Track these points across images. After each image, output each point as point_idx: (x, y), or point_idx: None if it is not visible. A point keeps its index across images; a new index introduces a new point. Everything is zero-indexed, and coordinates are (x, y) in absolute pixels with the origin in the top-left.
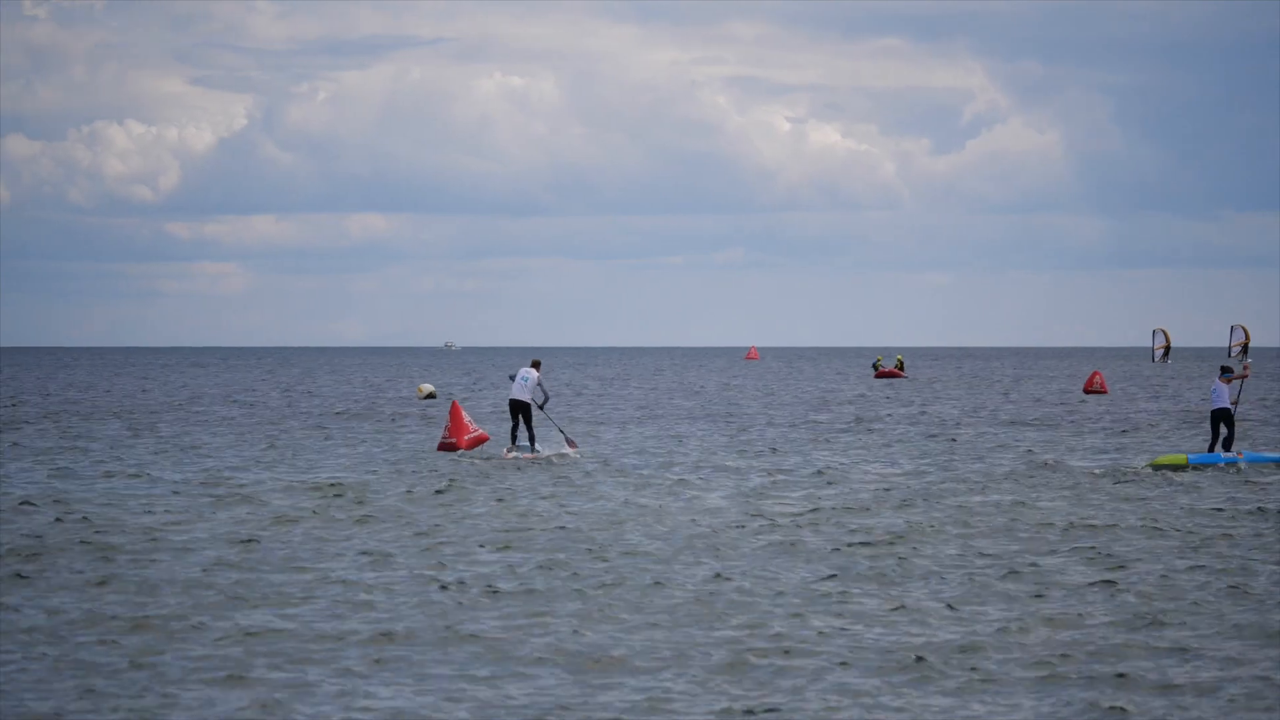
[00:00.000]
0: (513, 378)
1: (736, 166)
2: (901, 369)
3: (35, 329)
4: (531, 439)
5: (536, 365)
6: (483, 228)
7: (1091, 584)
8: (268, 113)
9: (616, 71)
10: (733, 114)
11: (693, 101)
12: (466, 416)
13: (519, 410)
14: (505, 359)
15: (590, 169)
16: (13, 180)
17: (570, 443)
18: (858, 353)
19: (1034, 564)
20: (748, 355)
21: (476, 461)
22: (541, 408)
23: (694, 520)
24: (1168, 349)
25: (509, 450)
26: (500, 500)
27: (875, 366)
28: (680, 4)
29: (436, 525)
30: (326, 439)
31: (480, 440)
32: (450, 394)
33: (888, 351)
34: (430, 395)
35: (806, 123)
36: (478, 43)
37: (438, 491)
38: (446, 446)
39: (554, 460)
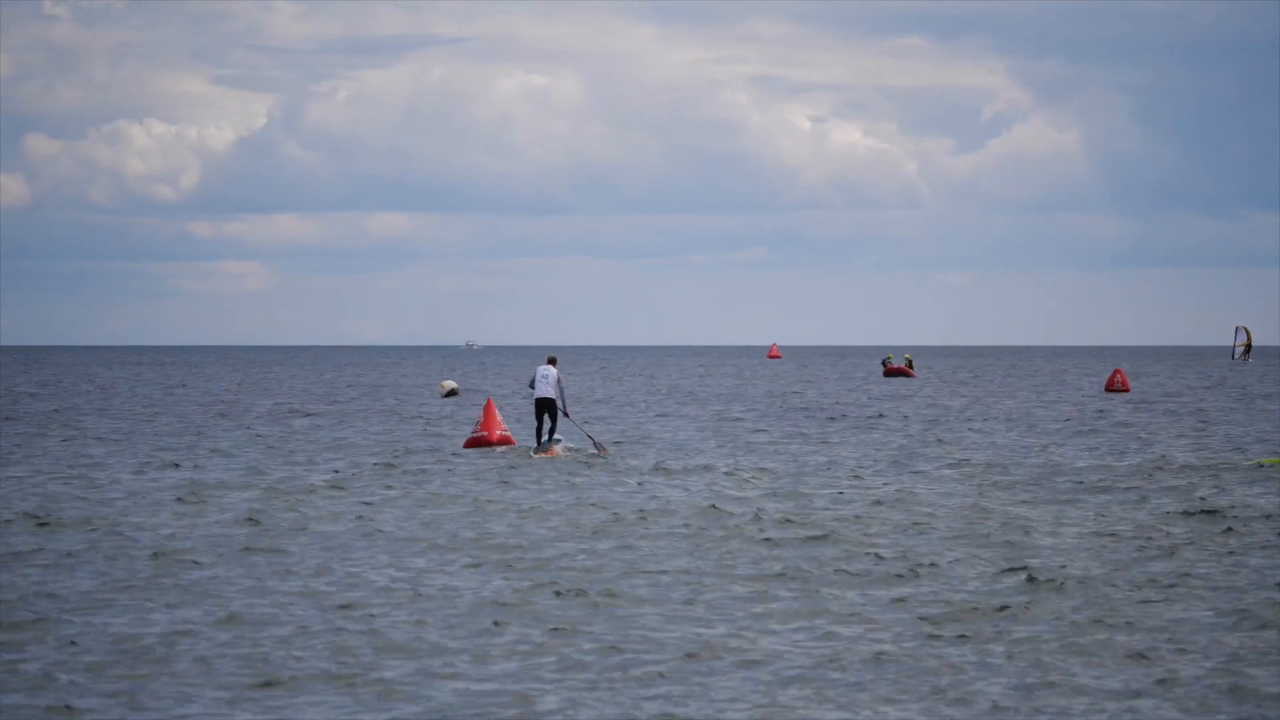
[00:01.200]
0: (532, 384)
1: (758, 165)
2: (910, 367)
3: (56, 328)
4: (552, 431)
5: (553, 361)
6: (504, 227)
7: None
8: (288, 112)
9: (638, 71)
10: (754, 113)
11: (714, 101)
12: (499, 415)
13: (546, 408)
14: (526, 358)
15: (612, 168)
16: (33, 179)
17: (600, 448)
18: (880, 351)
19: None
20: (769, 354)
21: (478, 461)
22: (566, 414)
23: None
24: (1249, 347)
25: (537, 451)
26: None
27: (884, 364)
28: (701, 3)
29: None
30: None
31: (506, 441)
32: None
33: (897, 350)
34: (452, 393)
35: (828, 122)
36: (498, 42)
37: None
38: (476, 442)
39: (570, 455)
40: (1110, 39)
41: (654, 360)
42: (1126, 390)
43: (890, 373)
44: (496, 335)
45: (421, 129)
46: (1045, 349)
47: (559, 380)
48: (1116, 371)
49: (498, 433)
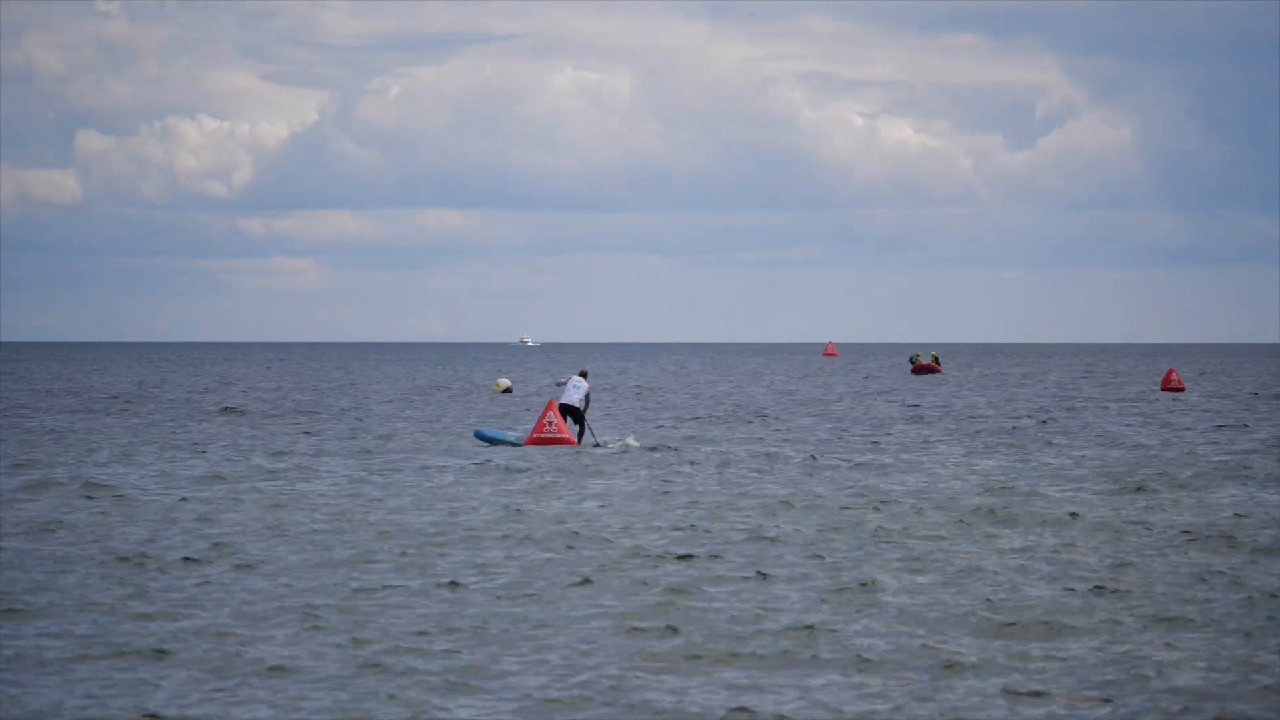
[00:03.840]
0: (560, 384)
1: (810, 162)
2: (937, 363)
3: (111, 325)
4: (581, 434)
5: (585, 375)
6: (557, 223)
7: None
8: (341, 108)
9: (690, 67)
10: (806, 110)
11: (766, 97)
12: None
13: (569, 413)
14: (580, 354)
15: (664, 164)
16: (85, 175)
17: (601, 443)
18: (934, 349)
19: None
20: (825, 351)
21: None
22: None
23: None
24: None
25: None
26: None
27: (912, 361)
28: (752, 1)
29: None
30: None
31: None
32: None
33: (925, 347)
34: (507, 390)
35: (880, 119)
36: (551, 38)
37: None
38: (545, 440)
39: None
40: (1164, 35)
41: (710, 358)
42: (1181, 389)
43: (918, 370)
44: (550, 332)
45: (474, 125)
46: (1099, 346)
47: (588, 394)
48: (1170, 371)
49: (568, 432)
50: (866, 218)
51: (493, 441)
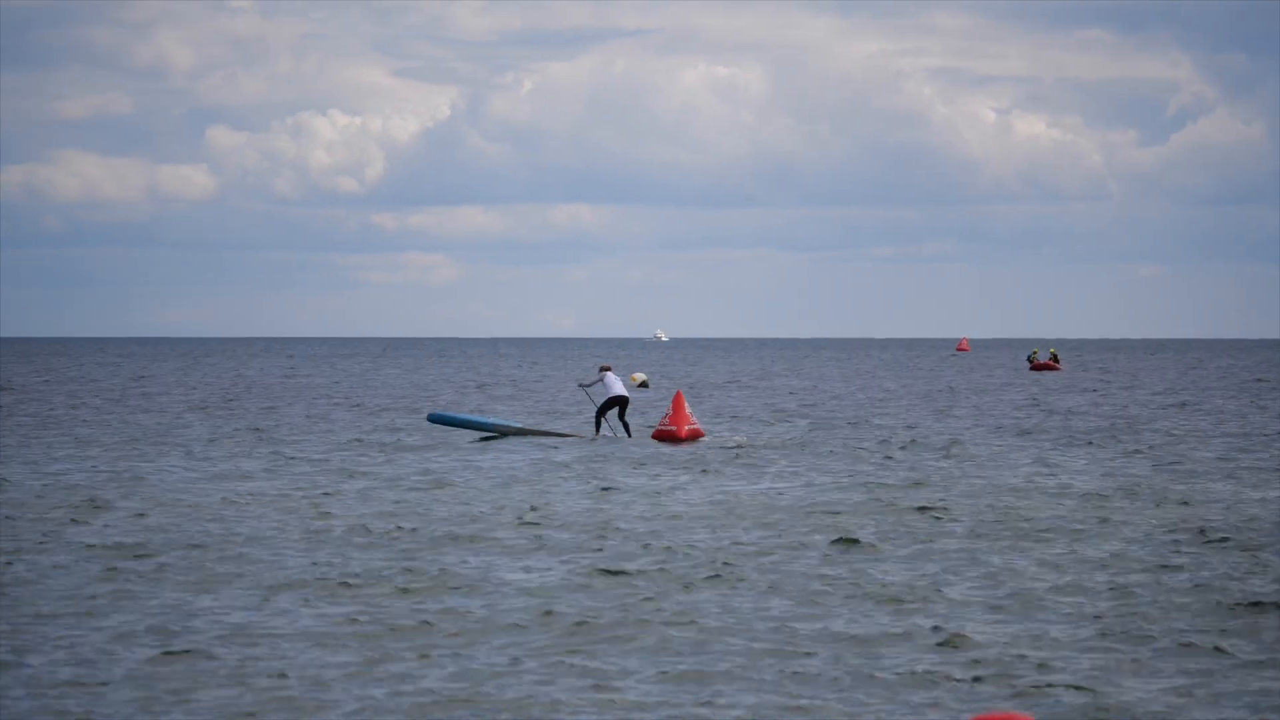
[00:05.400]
0: (597, 385)
1: (942, 157)
2: (1056, 361)
3: (242, 320)
4: (626, 426)
5: (609, 369)
6: (688, 218)
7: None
8: (471, 104)
9: (820, 62)
10: (937, 105)
11: (897, 92)
12: (688, 408)
13: (621, 404)
14: (712, 350)
15: (795, 160)
16: (218, 170)
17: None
18: (1062, 344)
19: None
20: (959, 347)
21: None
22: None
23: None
24: None
25: (595, 437)
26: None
27: (1030, 359)
28: None
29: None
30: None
31: (697, 434)
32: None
33: (1043, 344)
34: (643, 384)
35: (1012, 114)
36: (682, 33)
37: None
38: (664, 434)
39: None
40: None
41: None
42: None
43: (1036, 368)
44: (682, 328)
45: (605, 121)
46: (1234, 342)
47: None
48: None
49: (686, 428)
50: (997, 213)
51: (455, 425)
